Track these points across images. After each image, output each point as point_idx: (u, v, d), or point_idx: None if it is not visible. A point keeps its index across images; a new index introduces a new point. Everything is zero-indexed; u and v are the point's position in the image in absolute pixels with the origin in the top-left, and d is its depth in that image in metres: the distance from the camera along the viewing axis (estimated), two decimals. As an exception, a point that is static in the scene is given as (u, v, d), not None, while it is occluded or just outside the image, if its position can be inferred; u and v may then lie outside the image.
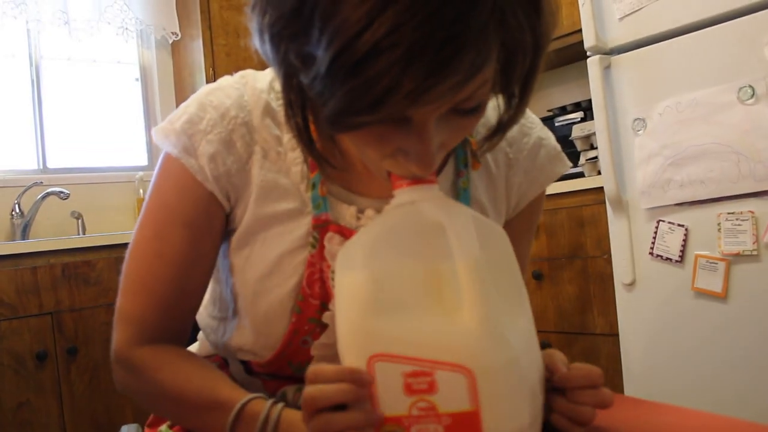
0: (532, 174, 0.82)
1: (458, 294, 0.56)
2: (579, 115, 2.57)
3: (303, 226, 0.72)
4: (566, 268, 2.27)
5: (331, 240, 0.72)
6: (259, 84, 0.74)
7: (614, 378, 2.07)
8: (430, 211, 0.60)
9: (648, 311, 1.87)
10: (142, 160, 3.29)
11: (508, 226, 0.83)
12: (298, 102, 0.62)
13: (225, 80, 0.75)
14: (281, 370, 0.77)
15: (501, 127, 0.67)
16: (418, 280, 0.58)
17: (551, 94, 3.01)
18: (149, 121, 3.32)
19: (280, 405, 0.66)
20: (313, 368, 0.58)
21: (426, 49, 0.46)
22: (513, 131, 0.79)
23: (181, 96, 3.28)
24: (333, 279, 0.69)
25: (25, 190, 2.77)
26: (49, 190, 2.77)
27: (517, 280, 0.64)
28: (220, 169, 0.71)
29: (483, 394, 0.54)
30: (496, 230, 0.65)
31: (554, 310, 2.32)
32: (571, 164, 0.85)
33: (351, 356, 0.58)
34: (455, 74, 0.48)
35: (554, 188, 2.31)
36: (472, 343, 0.53)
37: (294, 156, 0.73)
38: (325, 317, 0.73)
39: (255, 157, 0.72)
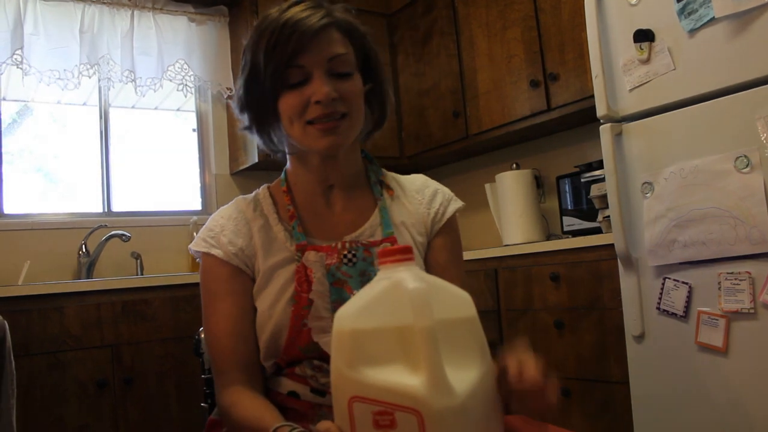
0: (435, 209, 1.22)
1: (416, 352, 0.73)
2: (603, 171, 2.70)
3: (292, 268, 1.11)
4: (585, 319, 2.40)
5: (309, 255, 1.11)
6: (247, 198, 1.21)
7: (628, 426, 2.17)
8: (402, 285, 0.78)
9: (656, 363, 1.99)
10: (197, 205, 3.56)
11: (435, 243, 1.21)
12: (262, 123, 1.14)
13: (225, 205, 1.22)
14: (294, 356, 1.08)
15: (374, 127, 1.20)
16: (388, 341, 0.76)
17: (582, 149, 3.15)
18: (204, 168, 3.60)
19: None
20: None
21: (303, 32, 1.04)
22: (418, 184, 1.25)
23: (233, 146, 3.55)
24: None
25: (92, 232, 3.05)
26: (113, 232, 3.04)
27: (477, 336, 0.81)
28: (236, 249, 1.14)
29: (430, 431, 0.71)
30: (460, 296, 0.83)
31: (574, 357, 2.44)
32: (463, 203, 1.26)
33: (337, 396, 0.77)
34: (310, 37, 1.04)
35: (575, 243, 2.46)
36: (422, 392, 0.70)
37: (277, 229, 1.15)
38: (312, 294, 1.08)
39: (255, 236, 1.15)
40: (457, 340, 0.78)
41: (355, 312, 0.79)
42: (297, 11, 1.06)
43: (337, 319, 0.80)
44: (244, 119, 1.17)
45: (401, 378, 0.73)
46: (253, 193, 1.23)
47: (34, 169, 3.27)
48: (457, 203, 1.25)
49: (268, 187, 1.24)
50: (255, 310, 1.13)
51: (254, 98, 1.11)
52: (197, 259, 1.19)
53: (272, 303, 1.10)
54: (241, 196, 1.23)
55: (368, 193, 1.21)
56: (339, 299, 1.08)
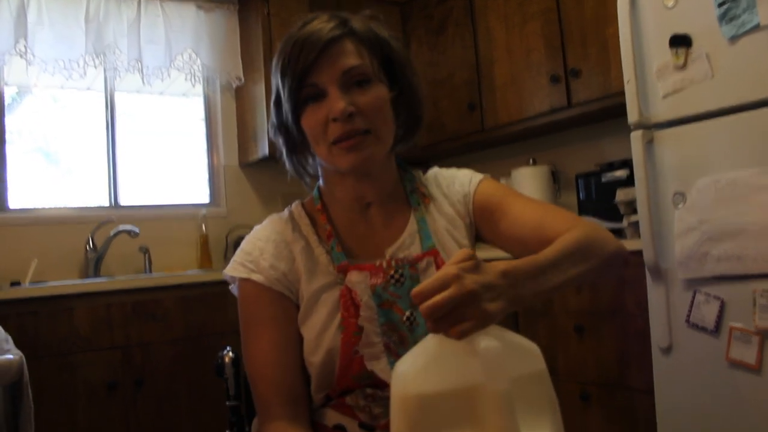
0: (459, 191, 1.17)
1: (489, 416, 0.68)
2: (625, 172, 2.64)
3: (337, 291, 1.05)
4: (606, 324, 2.35)
5: (352, 275, 1.05)
6: (282, 217, 1.14)
7: (650, 436, 2.14)
8: (470, 342, 0.72)
9: (684, 376, 1.94)
10: (205, 197, 3.49)
11: (477, 210, 1.16)
12: (293, 146, 1.11)
13: (258, 225, 1.14)
14: (346, 386, 1.03)
15: (404, 136, 1.13)
16: (456, 404, 0.70)
17: (600, 146, 3.08)
18: (212, 159, 3.52)
19: None
20: None
21: (311, 48, 0.99)
22: (439, 179, 1.20)
23: (243, 136, 3.47)
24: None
25: (99, 226, 2.98)
26: (121, 228, 2.97)
27: (547, 392, 0.76)
28: (278, 273, 1.06)
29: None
30: (530, 349, 0.78)
31: (594, 362, 2.40)
32: (482, 175, 1.21)
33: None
34: (318, 53, 1.00)
35: (597, 246, 2.39)
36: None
37: (318, 251, 1.09)
38: (361, 320, 1.03)
39: (297, 259, 1.08)
40: (528, 398, 0.73)
41: (416, 371, 0.74)
42: (312, 26, 1.03)
43: (396, 379, 0.75)
44: (279, 144, 1.14)
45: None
46: (287, 212, 1.17)
47: (37, 156, 3.18)
48: (478, 176, 1.20)
49: (302, 205, 1.18)
50: (300, 338, 1.06)
51: (281, 121, 1.09)
52: (231, 285, 1.12)
53: (320, 332, 1.04)
54: (275, 215, 1.17)
55: (405, 205, 1.16)
56: (388, 322, 1.03)
